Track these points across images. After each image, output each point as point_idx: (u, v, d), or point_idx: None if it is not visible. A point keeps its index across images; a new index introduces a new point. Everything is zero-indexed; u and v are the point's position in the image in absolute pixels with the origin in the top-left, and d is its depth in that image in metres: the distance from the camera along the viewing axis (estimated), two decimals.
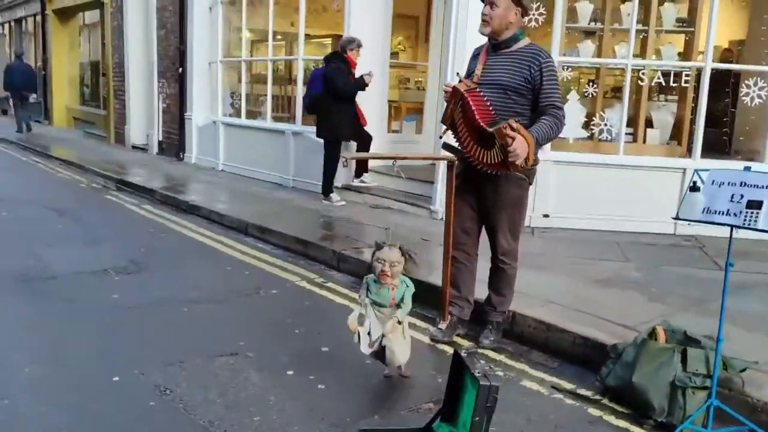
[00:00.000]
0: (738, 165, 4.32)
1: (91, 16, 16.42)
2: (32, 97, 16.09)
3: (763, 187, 2.74)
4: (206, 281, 4.81)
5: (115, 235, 6.19)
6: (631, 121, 6.52)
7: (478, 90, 3.56)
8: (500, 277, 3.83)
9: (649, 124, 6.63)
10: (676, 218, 2.98)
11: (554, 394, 3.25)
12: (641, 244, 5.85)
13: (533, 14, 6.32)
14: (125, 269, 5.02)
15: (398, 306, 3.11)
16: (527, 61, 3.56)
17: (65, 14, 17.16)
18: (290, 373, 3.30)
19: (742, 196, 2.77)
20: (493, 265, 3.83)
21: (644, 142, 6.55)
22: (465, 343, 3.87)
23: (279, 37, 10.11)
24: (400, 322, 3.08)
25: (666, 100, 6.77)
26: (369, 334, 3.10)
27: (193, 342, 3.65)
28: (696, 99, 6.23)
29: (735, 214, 2.76)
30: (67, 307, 4.15)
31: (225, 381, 3.15)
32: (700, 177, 2.95)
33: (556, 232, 6.24)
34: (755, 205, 2.72)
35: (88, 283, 4.65)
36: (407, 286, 3.15)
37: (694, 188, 2.94)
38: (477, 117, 3.44)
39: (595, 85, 6.44)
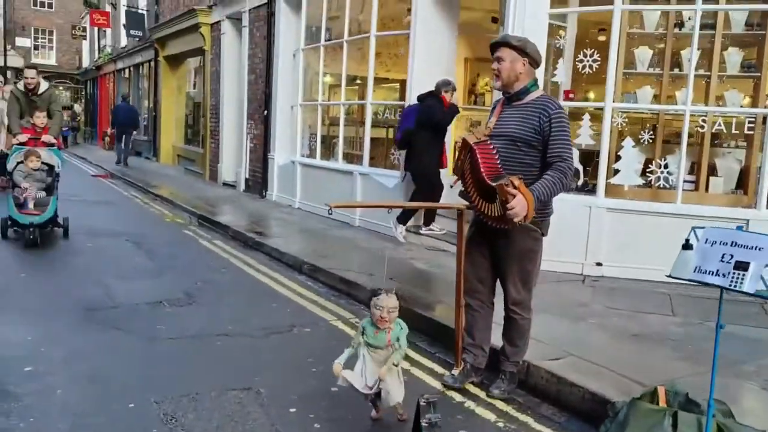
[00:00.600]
0: None
1: (195, 62, 17.70)
2: (134, 134, 18.40)
3: (753, 248, 2.65)
4: (247, 317, 5.09)
5: (179, 268, 6.63)
6: (694, 169, 6.29)
7: (488, 142, 3.63)
8: (512, 328, 3.83)
9: (713, 171, 6.36)
10: (669, 276, 2.91)
11: None
12: (695, 298, 5.57)
13: (587, 61, 6.33)
14: (178, 301, 5.40)
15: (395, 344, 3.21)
16: (537, 112, 3.60)
17: (175, 60, 18.60)
18: (293, 410, 3.46)
19: (732, 257, 2.69)
20: (506, 315, 3.84)
21: (707, 190, 6.28)
22: (477, 390, 3.87)
23: (358, 81, 10.51)
24: (395, 365, 3.17)
25: (734, 147, 6.47)
26: (364, 376, 3.21)
27: (213, 375, 3.89)
28: (763, 146, 5.94)
29: (724, 275, 2.69)
30: (116, 337, 4.53)
31: (229, 414, 3.35)
32: (695, 235, 2.89)
33: (608, 281, 6.07)
34: (742, 266, 2.63)
35: (142, 314, 5.04)
36: (401, 327, 3.25)
37: (686, 246, 2.88)
38: (481, 170, 3.51)
39: (652, 132, 6.27)
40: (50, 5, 37.69)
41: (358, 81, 10.56)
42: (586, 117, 6.38)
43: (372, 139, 9.09)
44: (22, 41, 37.18)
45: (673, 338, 4.55)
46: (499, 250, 3.75)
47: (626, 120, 6.30)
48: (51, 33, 38.02)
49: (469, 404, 3.70)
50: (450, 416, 3.50)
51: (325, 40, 10.27)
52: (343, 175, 9.36)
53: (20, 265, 6.40)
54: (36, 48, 37.90)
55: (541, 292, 5.57)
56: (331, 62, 10.44)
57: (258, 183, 12.30)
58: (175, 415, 3.31)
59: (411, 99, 7.98)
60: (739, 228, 2.75)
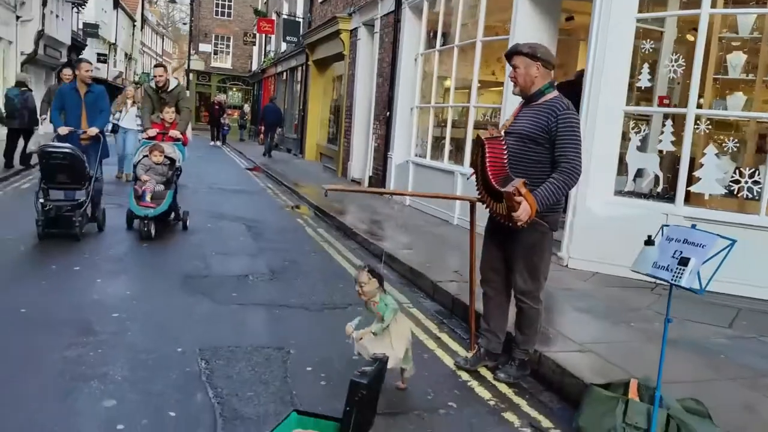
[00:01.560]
0: None
1: (339, 66, 18.86)
2: (278, 131, 21.92)
3: (698, 245, 2.74)
4: (313, 292, 5.68)
5: (276, 249, 7.40)
6: None
7: (501, 139, 3.89)
8: (521, 316, 4.05)
9: None
10: (632, 270, 3.04)
11: (524, 428, 3.43)
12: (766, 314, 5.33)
13: (671, 65, 6.20)
14: (261, 276, 6.12)
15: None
16: (547, 112, 3.80)
17: (322, 64, 19.93)
18: (309, 369, 3.96)
19: (681, 253, 2.79)
20: (516, 304, 4.07)
21: None
22: (486, 373, 4.13)
23: (479, 85, 10.78)
24: (374, 333, 3.57)
25: None
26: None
27: (257, 335, 4.51)
28: None
29: (671, 270, 2.79)
30: (197, 299, 5.30)
31: (252, 365, 3.93)
32: (662, 232, 3.00)
33: (677, 291, 5.91)
34: (684, 262, 2.73)
35: (227, 284, 5.80)
36: (386, 304, 3.64)
37: (648, 242, 2.99)
38: (488, 172, 3.77)
39: (738, 140, 6.01)
40: (229, 14, 41.47)
41: (479, 85, 10.84)
42: (669, 122, 6.25)
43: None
44: (204, 47, 41.29)
45: (710, 347, 4.47)
46: (508, 242, 3.99)
47: (710, 127, 6.08)
48: (228, 39, 41.83)
49: (472, 383, 3.99)
50: (447, 390, 3.84)
51: (440, 45, 10.68)
52: (447, 174, 9.73)
53: (144, 238, 7.45)
54: (215, 53, 41.90)
55: (598, 294, 5.66)
56: (445, 66, 10.82)
57: (379, 180, 12.99)
58: (209, 360, 3.95)
59: (507, 102, 8.16)
60: (693, 226, 2.83)
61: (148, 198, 7.28)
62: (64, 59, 24.75)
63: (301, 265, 6.73)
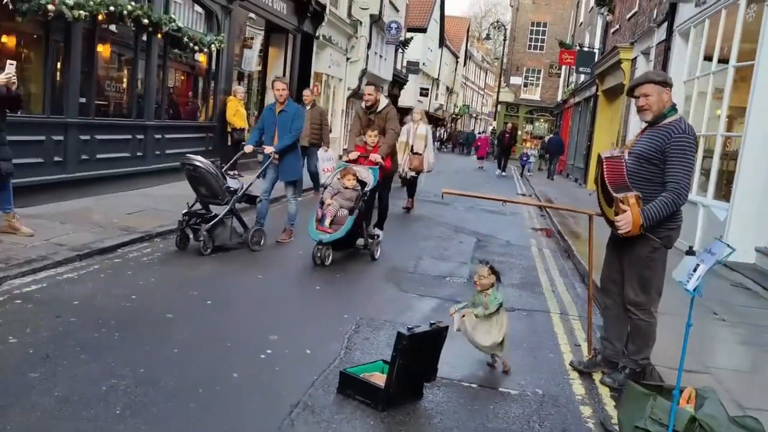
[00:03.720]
0: None
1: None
2: (558, 158, 24.06)
3: (710, 252, 2.88)
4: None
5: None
6: None
7: (620, 158, 4.17)
8: (631, 326, 4.23)
9: None
10: (675, 280, 3.19)
11: (589, 423, 3.71)
12: None
13: None
14: (456, 278, 6.95)
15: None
16: (664, 134, 3.99)
17: (611, 94, 19.73)
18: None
19: (703, 261, 2.94)
20: (628, 315, 4.25)
21: None
22: (597, 376, 4.38)
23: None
24: (476, 316, 4.17)
25: None
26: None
27: (413, 317, 5.36)
28: None
29: (690, 276, 2.96)
30: (383, 287, 6.35)
31: (389, 337, 4.81)
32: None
33: None
34: (695, 268, 2.89)
35: (420, 279, 6.73)
36: (495, 297, 4.21)
37: (689, 252, 3.14)
38: (607, 180, 4.10)
39: None
40: (541, 47, 42.69)
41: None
42: None
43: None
44: (515, 79, 43.19)
45: None
46: (624, 254, 4.22)
47: None
48: (539, 72, 43.06)
49: (575, 379, 4.31)
50: (547, 381, 4.24)
51: (701, 71, 10.19)
52: (691, 205, 9.28)
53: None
54: (525, 85, 43.49)
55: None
56: (708, 92, 10.26)
57: None
58: (359, 325, 4.95)
59: (749, 131, 7.66)
60: (718, 239, 2.93)
61: (327, 223, 6.82)
62: (386, 93, 28.61)
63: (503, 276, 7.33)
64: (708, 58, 9.98)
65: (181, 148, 10.67)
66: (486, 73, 72.79)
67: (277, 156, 7.34)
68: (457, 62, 54.95)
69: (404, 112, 32.90)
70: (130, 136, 9.87)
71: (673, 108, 4.08)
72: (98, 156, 8.99)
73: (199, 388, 3.56)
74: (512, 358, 4.42)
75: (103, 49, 9.56)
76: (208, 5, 12.09)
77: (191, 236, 6.76)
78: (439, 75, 46.49)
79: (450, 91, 53.96)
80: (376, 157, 7.40)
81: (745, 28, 8.55)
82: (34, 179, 7.68)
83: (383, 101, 8.12)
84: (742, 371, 4.41)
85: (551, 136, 25.01)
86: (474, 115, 65.40)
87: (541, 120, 43.36)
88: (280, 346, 4.35)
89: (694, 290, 2.90)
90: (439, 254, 8.18)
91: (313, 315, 5.19)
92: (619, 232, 3.92)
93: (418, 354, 3.52)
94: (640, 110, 4.18)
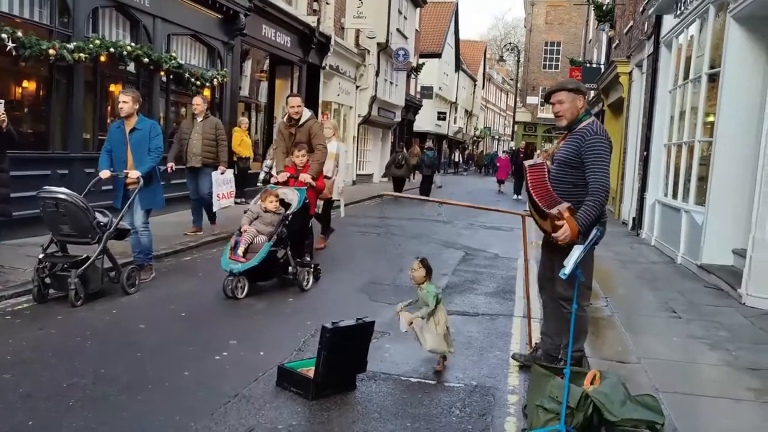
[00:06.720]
0: None
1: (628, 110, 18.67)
2: None
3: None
4: (474, 305, 6.59)
5: (473, 272, 8.38)
6: None
7: (542, 165, 4.45)
8: (564, 320, 4.46)
9: None
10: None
11: (510, 409, 3.97)
12: None
13: None
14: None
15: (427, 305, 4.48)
16: (579, 137, 4.28)
17: (615, 109, 19.84)
18: (387, 345, 5.00)
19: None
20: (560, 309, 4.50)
21: None
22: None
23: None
24: (422, 318, 4.43)
25: None
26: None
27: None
28: None
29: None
30: (355, 297, 6.66)
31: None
32: None
33: None
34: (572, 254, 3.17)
35: (394, 290, 6.96)
36: (428, 291, 4.49)
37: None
38: (533, 195, 4.35)
39: None
40: (556, 66, 43.04)
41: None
42: None
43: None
44: (531, 99, 43.50)
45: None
46: (554, 253, 4.48)
47: None
48: None
49: (513, 372, 4.57)
50: (485, 375, 4.50)
51: (682, 80, 10.39)
52: (675, 211, 9.44)
53: (361, 248, 9.07)
54: (542, 104, 43.67)
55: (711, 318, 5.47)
56: (687, 101, 10.44)
57: (636, 221, 12.77)
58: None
59: (718, 135, 7.85)
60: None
61: (240, 251, 6.23)
62: (398, 119, 29.11)
63: (481, 286, 7.60)
64: (688, 67, 10.19)
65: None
66: (507, 95, 73.09)
67: (141, 182, 6.30)
68: (475, 85, 55.38)
69: (421, 137, 33.51)
70: None
71: (588, 113, 4.37)
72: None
73: (149, 384, 3.92)
74: (459, 357, 4.69)
75: (105, 87, 10.18)
76: (210, 42, 12.72)
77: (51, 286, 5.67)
78: (456, 98, 46.93)
79: (469, 114, 54.32)
80: (306, 177, 7.00)
81: (714, 36, 8.76)
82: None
83: (306, 113, 7.55)
84: (673, 361, 4.60)
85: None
86: (496, 136, 65.60)
87: (560, 138, 43.36)
88: (236, 349, 4.70)
89: (574, 273, 3.16)
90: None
91: (278, 323, 5.54)
92: (560, 242, 4.12)
93: (344, 347, 3.83)
94: (556, 116, 4.47)
